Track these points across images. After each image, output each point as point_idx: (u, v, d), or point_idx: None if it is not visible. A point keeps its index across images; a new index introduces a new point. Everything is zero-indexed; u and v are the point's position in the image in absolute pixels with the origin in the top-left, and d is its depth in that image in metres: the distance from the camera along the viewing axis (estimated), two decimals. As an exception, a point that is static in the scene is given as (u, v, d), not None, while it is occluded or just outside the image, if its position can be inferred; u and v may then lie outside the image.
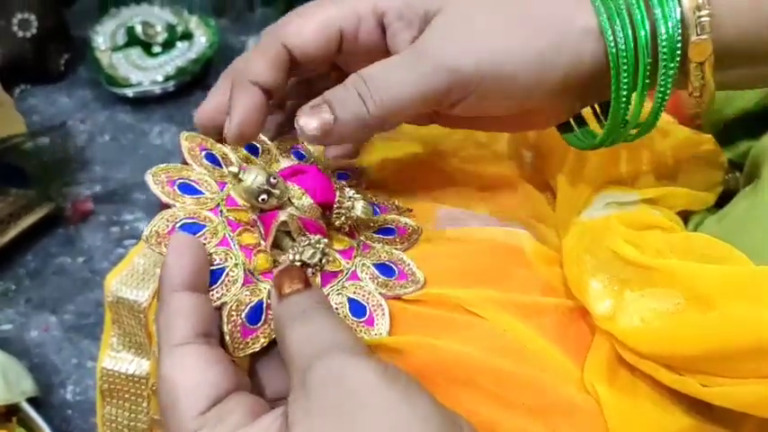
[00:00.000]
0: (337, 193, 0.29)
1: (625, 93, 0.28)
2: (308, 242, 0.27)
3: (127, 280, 0.35)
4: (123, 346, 0.36)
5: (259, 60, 0.29)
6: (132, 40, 0.96)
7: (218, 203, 0.28)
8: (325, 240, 0.28)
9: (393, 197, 0.35)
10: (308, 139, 0.27)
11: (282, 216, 0.27)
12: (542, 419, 0.28)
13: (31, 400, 0.65)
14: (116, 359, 0.36)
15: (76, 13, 1.04)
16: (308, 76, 0.33)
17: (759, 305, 0.26)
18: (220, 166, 0.29)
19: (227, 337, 0.25)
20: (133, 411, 0.37)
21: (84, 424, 0.70)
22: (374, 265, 0.30)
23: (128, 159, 0.92)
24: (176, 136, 0.95)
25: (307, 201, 0.28)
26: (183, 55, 0.95)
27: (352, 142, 0.34)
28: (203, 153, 0.29)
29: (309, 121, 0.26)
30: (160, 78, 0.94)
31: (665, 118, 0.41)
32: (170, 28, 0.97)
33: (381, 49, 0.30)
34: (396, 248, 0.31)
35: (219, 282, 0.25)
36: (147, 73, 0.94)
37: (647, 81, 0.28)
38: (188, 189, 0.27)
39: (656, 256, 0.31)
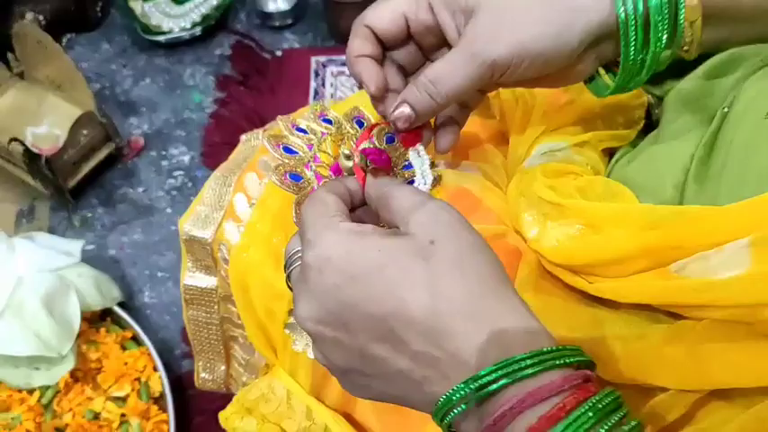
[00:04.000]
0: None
1: (633, 50, 0.36)
2: None
3: (195, 223, 0.48)
4: (197, 268, 0.50)
5: (354, 38, 0.40)
6: (160, -12, 1.04)
7: (309, 160, 0.42)
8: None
9: None
10: (398, 128, 0.39)
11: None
12: None
13: (119, 305, 0.80)
14: (193, 277, 0.50)
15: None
16: (400, 63, 0.43)
17: (627, 228, 0.38)
18: (306, 132, 0.44)
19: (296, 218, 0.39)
20: (208, 312, 0.51)
21: (161, 321, 0.87)
22: None
23: (167, 99, 1.03)
24: (206, 76, 1.06)
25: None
26: (206, 2, 1.03)
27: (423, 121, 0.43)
28: (293, 127, 0.44)
29: (398, 116, 0.38)
30: (188, 25, 1.02)
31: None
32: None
33: (437, 29, 0.39)
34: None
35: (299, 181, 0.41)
36: (176, 20, 1.02)
37: (659, 37, 0.35)
38: (288, 150, 0.43)
39: (566, 197, 0.43)
